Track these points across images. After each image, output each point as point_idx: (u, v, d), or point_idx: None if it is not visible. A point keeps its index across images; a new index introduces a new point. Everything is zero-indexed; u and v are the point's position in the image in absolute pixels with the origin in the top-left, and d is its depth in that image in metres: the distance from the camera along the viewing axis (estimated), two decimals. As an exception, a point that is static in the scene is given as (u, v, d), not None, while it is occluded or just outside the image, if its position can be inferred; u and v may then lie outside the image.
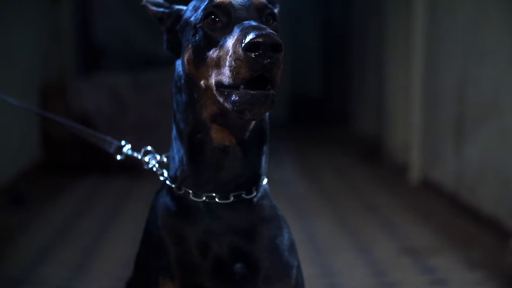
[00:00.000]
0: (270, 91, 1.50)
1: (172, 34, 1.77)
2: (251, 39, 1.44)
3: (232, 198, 1.68)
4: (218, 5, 1.61)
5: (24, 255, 4.38)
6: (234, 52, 1.48)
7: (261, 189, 1.75)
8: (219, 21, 1.60)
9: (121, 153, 2.02)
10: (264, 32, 1.45)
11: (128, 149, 2.02)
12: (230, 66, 1.49)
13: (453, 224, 4.95)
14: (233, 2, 1.61)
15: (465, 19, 5.20)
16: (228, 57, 1.50)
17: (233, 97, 1.49)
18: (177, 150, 1.73)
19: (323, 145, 8.37)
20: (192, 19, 1.67)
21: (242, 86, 1.49)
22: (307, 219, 5.17)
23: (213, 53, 1.57)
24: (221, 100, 1.54)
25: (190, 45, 1.64)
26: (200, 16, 1.63)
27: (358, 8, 8.90)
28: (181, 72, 1.69)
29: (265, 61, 1.45)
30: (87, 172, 6.55)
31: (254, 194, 1.71)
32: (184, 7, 1.78)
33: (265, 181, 1.77)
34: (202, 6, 1.64)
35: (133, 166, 6.17)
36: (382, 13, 7.38)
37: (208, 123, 1.64)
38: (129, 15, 8.71)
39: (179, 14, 1.77)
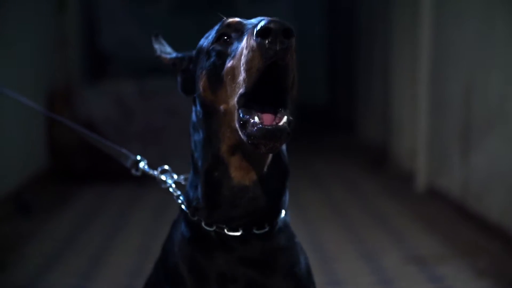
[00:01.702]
0: (286, 124, 1.49)
1: (187, 74, 1.79)
2: (262, 26, 1.44)
3: (241, 231, 1.65)
4: (229, 25, 1.64)
5: (31, 263, 4.38)
6: (247, 46, 1.48)
7: (280, 222, 1.72)
8: (231, 38, 1.62)
9: (137, 168, 2.02)
10: (274, 19, 1.45)
11: (145, 165, 2.02)
12: (245, 62, 1.48)
13: (460, 232, 4.94)
14: (243, 21, 1.64)
15: (472, 27, 5.20)
16: (242, 57, 1.50)
17: (249, 130, 1.48)
18: (194, 187, 1.71)
19: (329, 153, 8.37)
20: (205, 45, 1.69)
21: (258, 121, 1.48)
22: (313, 226, 5.17)
23: (227, 65, 1.57)
24: (237, 126, 1.52)
25: (204, 71, 1.64)
26: (212, 39, 1.65)
27: (364, 15, 8.90)
28: (198, 106, 1.68)
29: (278, 47, 1.44)
30: (94, 179, 6.55)
31: (267, 229, 1.68)
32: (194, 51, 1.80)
33: (283, 213, 1.73)
34: (214, 31, 1.67)
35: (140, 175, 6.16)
36: (389, 20, 7.38)
37: (226, 157, 1.62)
38: (135, 22, 8.75)
39: (191, 55, 1.79)
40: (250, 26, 1.57)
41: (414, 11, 6.37)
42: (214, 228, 1.66)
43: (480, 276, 4.10)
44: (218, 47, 1.62)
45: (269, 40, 1.44)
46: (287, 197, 1.74)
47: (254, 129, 1.47)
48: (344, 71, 10.23)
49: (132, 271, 4.21)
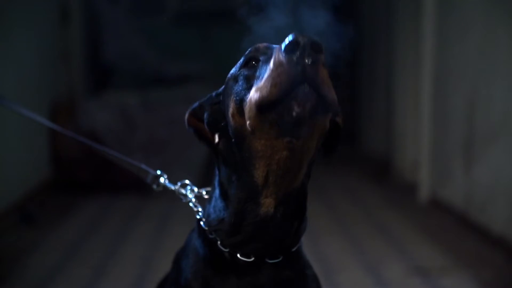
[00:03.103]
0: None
1: (216, 105, 1.71)
2: (290, 39, 1.39)
3: (253, 258, 1.64)
4: (257, 49, 1.59)
5: (34, 274, 4.38)
6: (274, 61, 1.42)
7: (294, 252, 1.70)
8: (258, 61, 1.56)
9: (158, 183, 2.00)
10: (302, 34, 1.40)
11: (165, 179, 2.00)
12: (270, 76, 1.42)
13: (463, 244, 4.94)
14: (272, 45, 1.60)
15: (475, 40, 5.20)
16: (268, 71, 1.44)
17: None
18: (219, 209, 1.67)
19: (332, 164, 8.36)
20: (233, 71, 1.64)
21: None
22: (316, 237, 5.16)
23: (254, 87, 1.50)
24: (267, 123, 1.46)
25: (233, 96, 1.57)
26: (240, 64, 1.61)
27: (367, 27, 8.91)
28: (232, 135, 1.59)
29: (307, 62, 1.38)
30: (97, 190, 6.56)
31: (280, 259, 1.66)
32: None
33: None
34: (243, 57, 1.62)
35: (143, 186, 6.17)
36: (392, 32, 7.40)
37: (260, 184, 1.56)
38: (138, 34, 8.77)
39: (217, 92, 1.73)
40: None
41: (417, 24, 6.39)
42: (228, 250, 1.65)
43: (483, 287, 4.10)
44: (245, 71, 1.57)
45: (298, 54, 1.38)
46: (305, 226, 1.71)
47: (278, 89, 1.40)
48: (346, 82, 10.23)
49: (135, 282, 4.20)
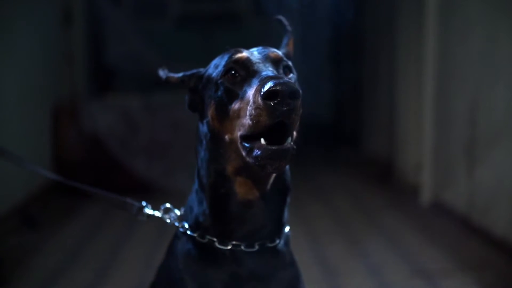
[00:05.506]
0: (290, 145, 1.56)
1: (195, 94, 1.84)
2: (269, 88, 1.50)
3: (257, 247, 1.73)
4: (237, 61, 1.68)
5: (36, 277, 4.38)
6: (254, 101, 1.53)
7: (284, 236, 1.80)
8: (238, 75, 1.67)
9: (142, 214, 2.07)
10: (281, 81, 1.51)
11: (149, 209, 2.07)
12: (250, 115, 1.53)
13: (465, 246, 4.93)
14: (250, 57, 1.69)
15: (477, 43, 5.20)
16: (248, 107, 1.55)
17: (255, 152, 1.54)
18: (199, 202, 1.78)
19: (334, 167, 8.37)
20: (213, 75, 1.74)
21: (264, 142, 1.54)
22: (318, 240, 5.16)
23: (234, 105, 1.63)
24: (244, 154, 1.59)
25: (213, 101, 1.70)
26: (220, 72, 1.70)
27: (369, 30, 8.92)
28: (206, 130, 1.74)
29: (284, 108, 1.50)
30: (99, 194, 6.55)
31: (278, 242, 1.76)
32: (202, 69, 1.85)
33: (287, 228, 1.82)
34: (222, 63, 1.71)
35: (145, 188, 6.18)
36: (394, 35, 7.40)
37: (232, 177, 1.69)
38: (140, 36, 8.77)
39: (199, 74, 1.84)
40: (258, 71, 1.64)
41: (419, 28, 6.39)
42: (229, 247, 1.72)
43: (485, 291, 4.10)
44: (226, 83, 1.67)
45: (276, 101, 1.50)
46: (286, 213, 1.81)
47: (260, 152, 1.54)
48: (349, 85, 10.24)
49: (137, 285, 4.20)
